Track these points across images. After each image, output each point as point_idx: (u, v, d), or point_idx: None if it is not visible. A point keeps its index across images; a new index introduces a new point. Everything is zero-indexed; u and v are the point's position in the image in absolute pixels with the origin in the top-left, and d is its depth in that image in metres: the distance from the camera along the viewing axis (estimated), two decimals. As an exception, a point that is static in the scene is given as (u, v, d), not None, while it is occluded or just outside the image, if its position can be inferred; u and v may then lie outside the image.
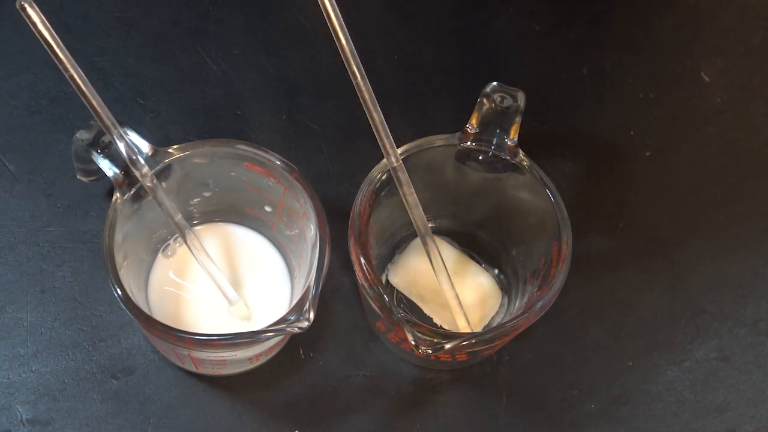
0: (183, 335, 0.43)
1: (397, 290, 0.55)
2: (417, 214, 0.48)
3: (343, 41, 0.41)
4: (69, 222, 0.55)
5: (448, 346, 0.44)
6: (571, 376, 0.54)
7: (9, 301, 0.53)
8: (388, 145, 0.45)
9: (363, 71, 0.42)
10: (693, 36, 0.68)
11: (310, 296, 0.44)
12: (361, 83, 0.42)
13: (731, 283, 0.58)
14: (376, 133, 0.44)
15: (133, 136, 0.45)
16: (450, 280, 0.50)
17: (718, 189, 0.62)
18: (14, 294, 0.53)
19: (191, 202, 0.52)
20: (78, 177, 0.54)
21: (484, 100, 0.49)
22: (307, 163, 0.59)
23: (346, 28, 0.41)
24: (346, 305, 0.55)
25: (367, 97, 0.43)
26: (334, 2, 0.40)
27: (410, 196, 0.47)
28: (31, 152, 0.57)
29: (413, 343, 0.44)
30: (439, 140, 0.50)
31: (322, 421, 0.52)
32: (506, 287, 0.55)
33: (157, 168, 0.46)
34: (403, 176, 0.46)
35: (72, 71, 0.40)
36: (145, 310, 0.45)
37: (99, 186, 0.56)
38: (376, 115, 0.44)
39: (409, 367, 0.54)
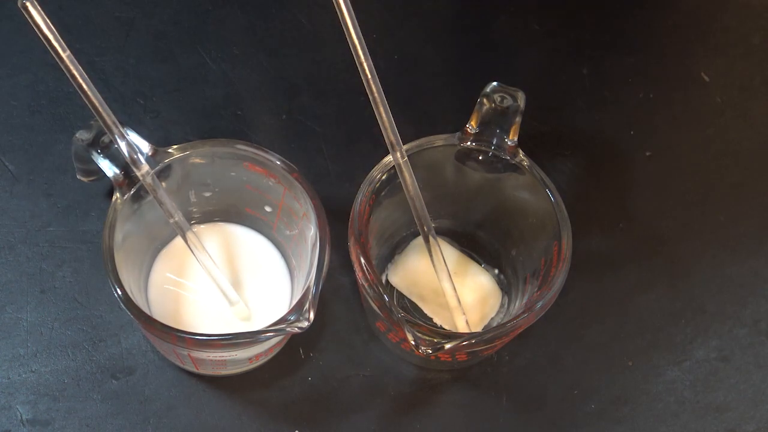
0: (183, 335, 0.43)
1: (397, 290, 0.55)
2: (420, 212, 0.48)
3: (355, 38, 0.41)
4: (69, 222, 0.55)
5: (448, 346, 0.44)
6: (571, 376, 0.54)
7: (9, 301, 0.53)
8: (394, 142, 0.45)
9: (373, 67, 0.42)
10: (693, 36, 0.68)
11: (310, 296, 0.44)
12: (371, 80, 0.42)
13: (731, 283, 0.58)
14: (383, 130, 0.44)
15: (133, 136, 0.45)
16: (450, 279, 0.50)
17: (718, 189, 0.62)
18: (14, 294, 0.53)
19: (191, 202, 0.52)
20: (78, 177, 0.54)
21: (484, 100, 0.49)
22: (307, 163, 0.59)
23: (358, 25, 0.41)
24: (346, 305, 0.55)
25: (376, 93, 0.43)
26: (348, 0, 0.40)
27: (414, 193, 0.47)
28: (31, 152, 0.57)
29: (413, 343, 0.44)
30: (439, 140, 0.50)
31: (322, 421, 0.52)
32: (506, 287, 0.55)
33: (157, 168, 0.46)
34: (408, 173, 0.46)
35: (73, 70, 0.40)
36: (145, 310, 0.45)
37: (99, 186, 0.56)
38: (384, 112, 0.44)
39: (409, 367, 0.54)
